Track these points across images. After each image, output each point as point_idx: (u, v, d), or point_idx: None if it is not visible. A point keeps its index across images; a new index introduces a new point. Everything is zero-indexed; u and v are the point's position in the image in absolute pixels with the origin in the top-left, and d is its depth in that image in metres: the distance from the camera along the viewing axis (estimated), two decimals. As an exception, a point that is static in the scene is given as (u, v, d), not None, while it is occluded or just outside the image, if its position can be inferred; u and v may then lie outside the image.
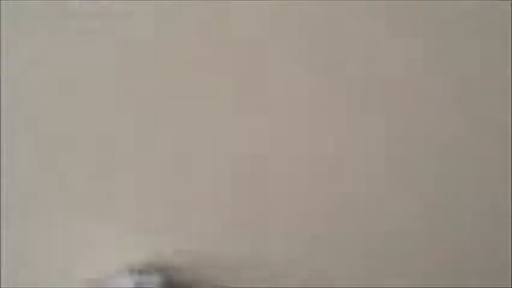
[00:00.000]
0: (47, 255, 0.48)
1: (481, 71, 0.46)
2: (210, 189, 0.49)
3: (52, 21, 0.43)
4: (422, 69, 0.46)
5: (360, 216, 0.56)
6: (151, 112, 0.47)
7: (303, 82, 0.47)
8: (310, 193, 0.52)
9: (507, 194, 0.56)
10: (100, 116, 0.46)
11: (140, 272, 0.50)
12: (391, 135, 0.51)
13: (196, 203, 0.50)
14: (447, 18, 0.43)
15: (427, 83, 0.47)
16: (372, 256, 0.59)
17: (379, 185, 0.53)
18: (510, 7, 0.42)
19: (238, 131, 0.47)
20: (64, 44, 0.44)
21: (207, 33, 0.44)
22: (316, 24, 0.44)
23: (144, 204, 0.49)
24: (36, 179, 0.46)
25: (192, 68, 0.46)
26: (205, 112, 0.47)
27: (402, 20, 0.44)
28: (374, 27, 0.44)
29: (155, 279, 0.50)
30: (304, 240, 0.54)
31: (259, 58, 0.45)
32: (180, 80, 0.46)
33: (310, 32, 0.45)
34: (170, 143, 0.48)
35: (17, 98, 0.44)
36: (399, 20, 0.44)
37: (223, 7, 0.43)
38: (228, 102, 0.47)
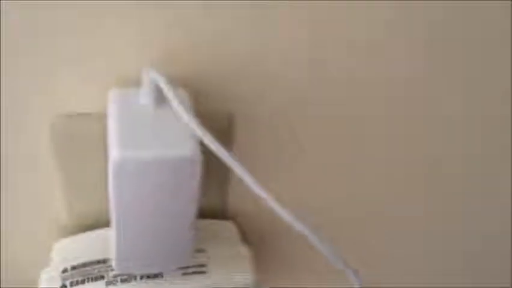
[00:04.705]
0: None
1: (481, 71, 0.46)
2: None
3: None
4: (422, 69, 0.45)
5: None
6: None
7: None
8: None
9: (507, 194, 0.56)
10: None
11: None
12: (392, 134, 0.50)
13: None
14: (446, 18, 0.42)
15: (428, 82, 0.46)
16: (371, 256, 0.59)
17: (380, 187, 0.53)
18: (510, 7, 0.42)
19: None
20: None
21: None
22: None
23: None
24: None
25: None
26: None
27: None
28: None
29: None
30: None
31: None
32: None
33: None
34: None
35: None
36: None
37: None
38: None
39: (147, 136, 0.34)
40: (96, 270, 0.41)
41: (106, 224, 0.44)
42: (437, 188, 0.54)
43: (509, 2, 0.41)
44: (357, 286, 0.38)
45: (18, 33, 0.37)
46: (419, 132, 0.48)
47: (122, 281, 0.41)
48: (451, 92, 0.46)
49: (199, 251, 0.43)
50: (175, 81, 0.41)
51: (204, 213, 0.46)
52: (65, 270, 0.41)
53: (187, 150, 0.34)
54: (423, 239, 0.59)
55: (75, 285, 0.40)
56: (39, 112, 0.41)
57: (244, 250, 0.45)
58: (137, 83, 0.40)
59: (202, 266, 0.43)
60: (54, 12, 0.36)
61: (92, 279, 0.41)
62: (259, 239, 0.53)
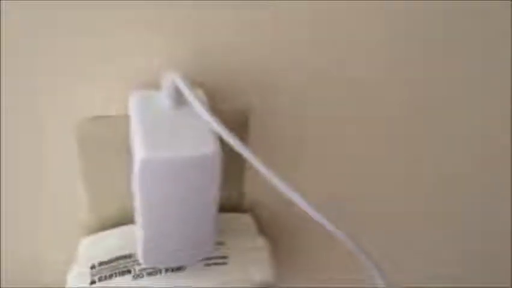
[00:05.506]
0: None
1: (481, 71, 0.46)
2: None
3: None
4: (423, 69, 0.45)
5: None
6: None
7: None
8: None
9: (507, 194, 0.56)
10: None
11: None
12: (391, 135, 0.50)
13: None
14: (446, 18, 0.42)
15: (428, 82, 0.46)
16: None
17: (380, 186, 0.53)
18: (510, 7, 0.42)
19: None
20: None
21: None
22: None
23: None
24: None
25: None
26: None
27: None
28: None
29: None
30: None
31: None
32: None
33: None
34: None
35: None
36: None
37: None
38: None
39: (170, 136, 0.35)
40: (122, 265, 0.42)
41: (128, 223, 0.45)
42: (437, 188, 0.54)
43: (509, 2, 0.41)
44: (381, 285, 0.38)
45: (19, 33, 0.37)
46: (419, 132, 0.49)
47: (148, 274, 0.42)
48: (451, 92, 0.46)
49: (219, 243, 0.44)
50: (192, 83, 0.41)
51: (222, 207, 0.46)
52: (93, 267, 0.42)
53: (209, 148, 0.35)
54: (423, 239, 0.59)
55: (103, 280, 0.41)
56: (62, 114, 0.41)
57: (262, 242, 0.46)
58: (147, 85, 0.40)
59: (224, 257, 0.44)
60: (55, 12, 0.36)
61: (119, 274, 0.42)
62: (275, 232, 0.53)
